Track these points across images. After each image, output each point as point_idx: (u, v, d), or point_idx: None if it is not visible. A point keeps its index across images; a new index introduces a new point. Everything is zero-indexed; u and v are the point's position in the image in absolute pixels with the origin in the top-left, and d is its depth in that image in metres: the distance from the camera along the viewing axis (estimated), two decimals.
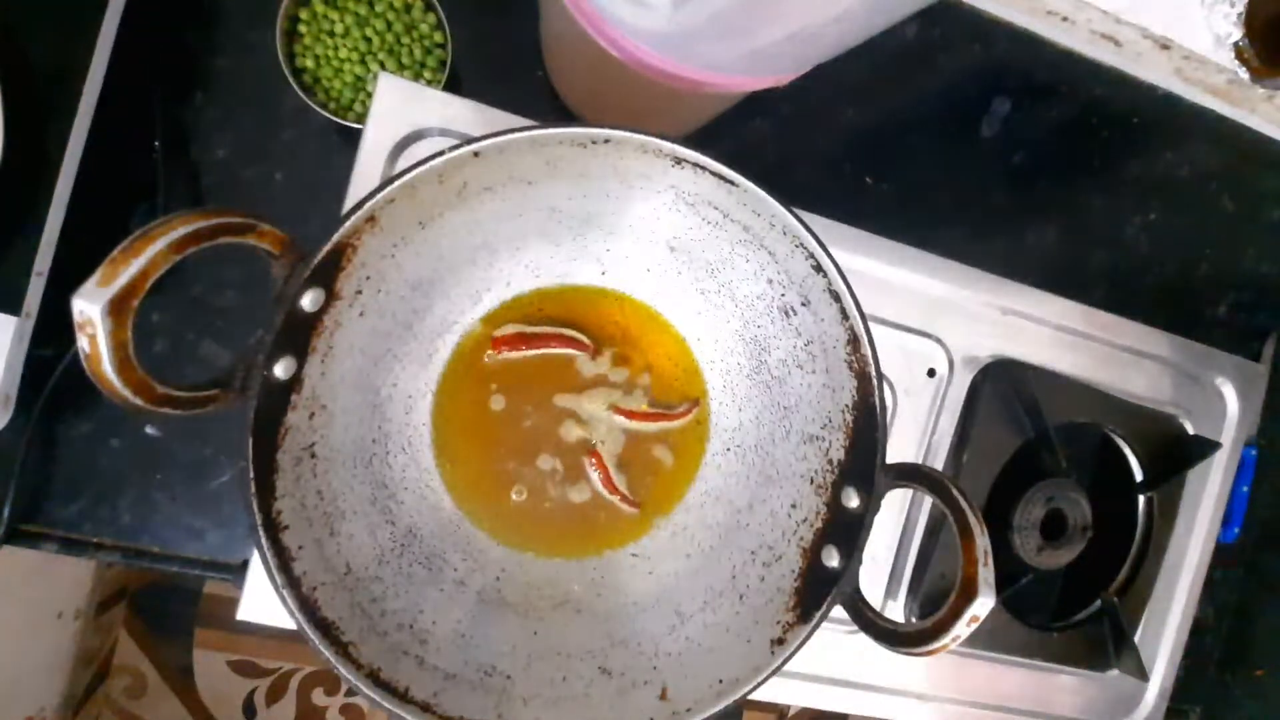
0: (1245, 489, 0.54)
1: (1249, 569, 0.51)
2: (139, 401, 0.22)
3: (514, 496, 0.34)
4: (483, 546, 0.34)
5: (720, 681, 0.28)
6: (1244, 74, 0.49)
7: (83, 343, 0.20)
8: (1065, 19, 0.51)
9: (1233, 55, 0.49)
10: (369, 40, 0.41)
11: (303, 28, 0.40)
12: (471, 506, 0.34)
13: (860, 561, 0.29)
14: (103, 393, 0.22)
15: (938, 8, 0.50)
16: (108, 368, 0.21)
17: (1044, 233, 0.54)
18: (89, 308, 0.20)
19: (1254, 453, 0.54)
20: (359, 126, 0.36)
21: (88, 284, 0.20)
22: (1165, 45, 0.51)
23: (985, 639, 0.44)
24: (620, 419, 0.35)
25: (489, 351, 0.34)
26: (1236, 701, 0.58)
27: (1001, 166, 0.53)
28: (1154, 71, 0.54)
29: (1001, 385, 0.45)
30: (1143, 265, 0.56)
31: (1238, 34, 0.48)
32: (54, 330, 0.36)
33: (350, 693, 1.04)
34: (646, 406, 0.35)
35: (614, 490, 0.35)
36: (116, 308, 0.20)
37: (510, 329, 0.34)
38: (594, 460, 0.35)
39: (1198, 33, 0.50)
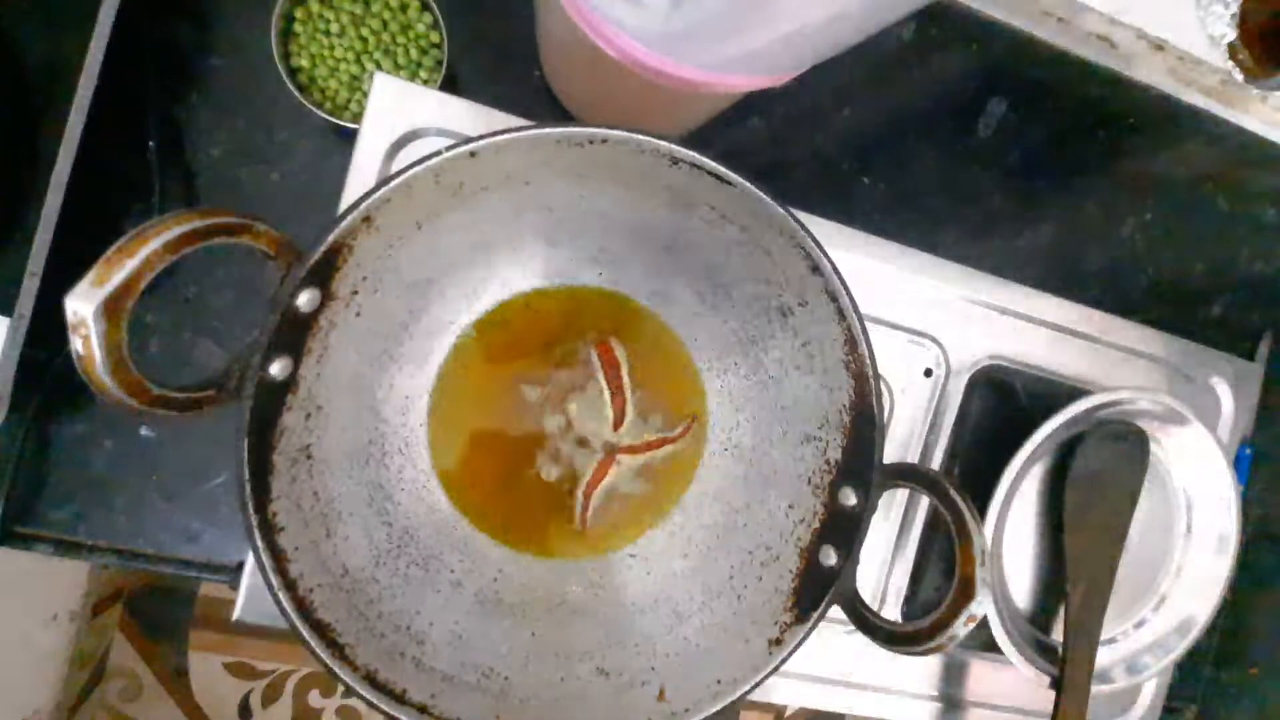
0: (1240, 487, 0.54)
1: (1243, 567, 0.51)
2: (133, 403, 0.22)
3: (510, 498, 0.34)
4: (480, 547, 0.34)
5: (718, 682, 0.28)
6: (1238, 75, 0.49)
7: (76, 344, 0.20)
8: (1061, 20, 0.51)
9: (1227, 56, 0.49)
10: (364, 39, 0.41)
11: (298, 27, 0.40)
12: (469, 507, 0.34)
13: (858, 561, 0.29)
14: (96, 394, 0.21)
15: (934, 8, 0.50)
16: (101, 369, 0.21)
17: (1040, 233, 0.54)
18: (82, 308, 0.20)
19: (1248, 451, 0.54)
20: (355, 126, 0.36)
21: (81, 284, 0.20)
22: (1160, 46, 0.51)
23: (981, 638, 0.44)
24: (624, 458, 0.35)
25: (594, 351, 0.34)
26: (1232, 699, 0.58)
27: (998, 167, 0.53)
28: (1149, 72, 0.54)
29: (998, 385, 0.45)
30: (1138, 265, 0.57)
31: (1232, 35, 0.49)
32: (48, 331, 0.36)
33: (347, 694, 1.04)
34: (648, 435, 0.35)
35: (586, 500, 0.34)
36: (110, 308, 0.20)
37: (620, 350, 0.34)
38: (598, 466, 0.34)
39: (1192, 34, 0.50)
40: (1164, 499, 0.48)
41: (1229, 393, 0.51)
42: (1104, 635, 0.47)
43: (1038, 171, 0.54)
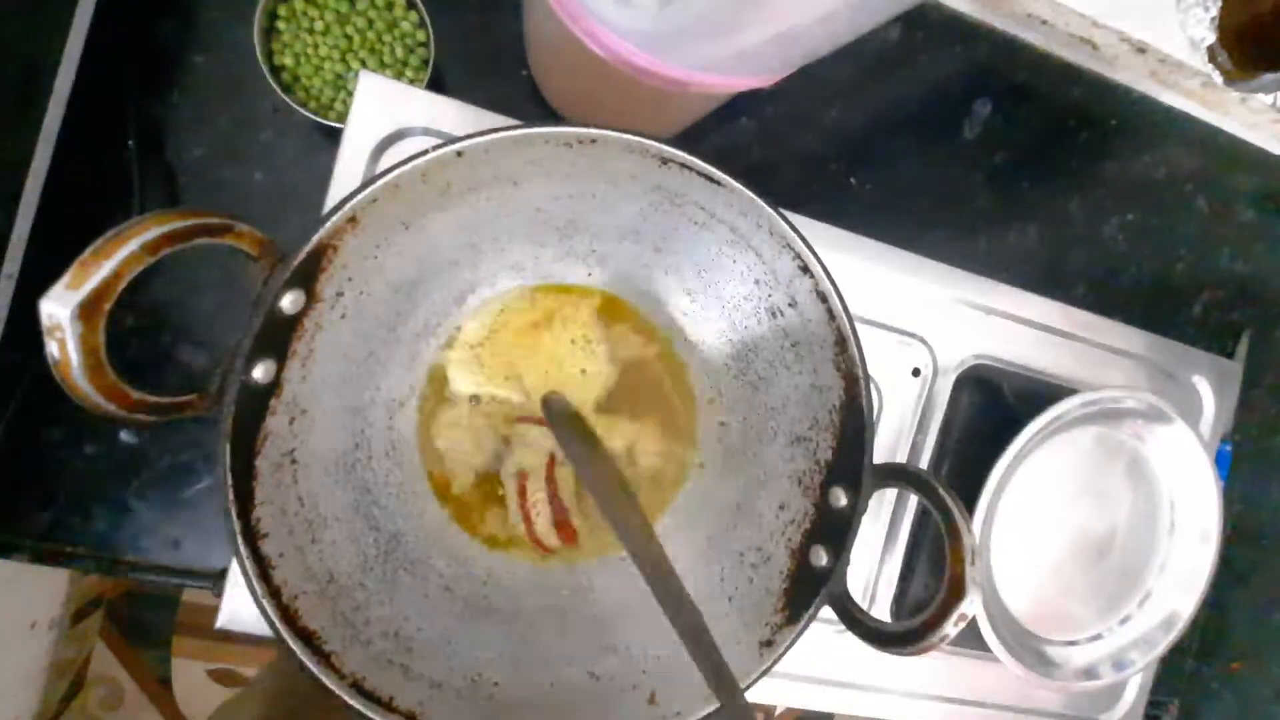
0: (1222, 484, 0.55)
1: (1224, 563, 0.52)
2: (112, 408, 0.21)
3: (499, 501, 0.34)
4: (469, 552, 0.33)
5: None
6: (1217, 77, 0.50)
7: (51, 348, 0.20)
8: (1044, 22, 0.52)
9: (1207, 59, 0.50)
10: (349, 38, 0.40)
11: (281, 24, 0.39)
12: (457, 511, 0.34)
13: (848, 561, 0.29)
14: (74, 399, 0.21)
15: (921, 10, 0.50)
16: (78, 374, 0.20)
17: (1025, 233, 0.55)
18: (58, 311, 0.19)
19: (1228, 449, 0.55)
20: (340, 125, 0.35)
21: (56, 287, 0.20)
22: (1141, 49, 0.52)
23: (970, 637, 0.44)
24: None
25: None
26: (1214, 694, 0.59)
27: (983, 167, 0.53)
28: (1131, 74, 0.55)
29: (984, 384, 0.45)
30: (1121, 265, 0.57)
31: (1211, 38, 0.49)
32: (25, 334, 0.35)
33: None
34: (641, 438, 0.35)
35: (521, 505, 0.34)
36: (87, 311, 0.20)
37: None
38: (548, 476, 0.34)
39: (1173, 37, 0.51)
40: (1149, 496, 0.48)
41: (1210, 391, 0.52)
42: (1090, 632, 0.48)
43: (1022, 172, 0.54)
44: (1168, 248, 0.58)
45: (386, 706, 0.26)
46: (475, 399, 0.34)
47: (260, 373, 0.25)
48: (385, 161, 0.35)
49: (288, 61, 0.39)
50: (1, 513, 0.39)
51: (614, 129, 0.26)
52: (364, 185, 0.25)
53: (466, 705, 0.28)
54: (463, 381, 0.34)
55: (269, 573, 0.25)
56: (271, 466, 0.26)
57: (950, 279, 0.45)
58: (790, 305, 0.30)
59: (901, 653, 0.27)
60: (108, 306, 0.20)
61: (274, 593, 0.25)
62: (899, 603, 0.44)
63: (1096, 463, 0.47)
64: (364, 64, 0.40)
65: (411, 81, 0.41)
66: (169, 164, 0.40)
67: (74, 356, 0.20)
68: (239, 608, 0.34)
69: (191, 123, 0.40)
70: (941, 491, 0.27)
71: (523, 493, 0.34)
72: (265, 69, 0.38)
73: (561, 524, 0.34)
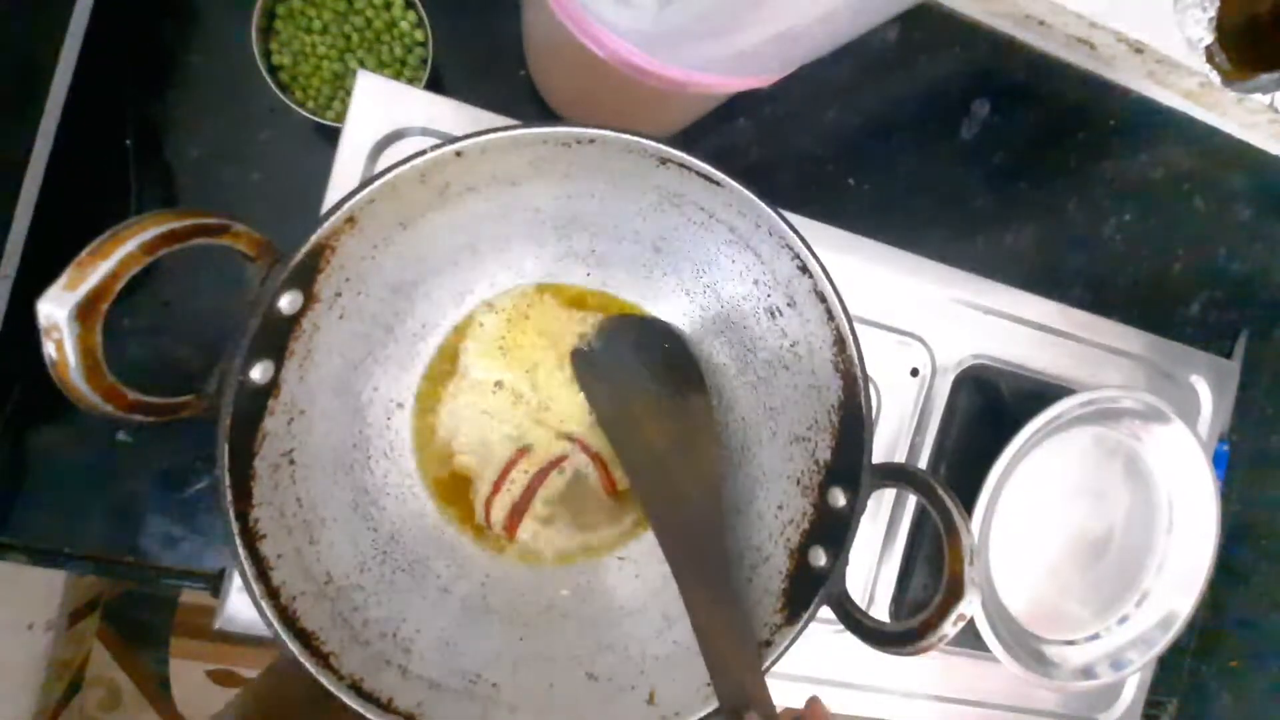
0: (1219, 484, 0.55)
1: (1222, 563, 0.52)
2: (109, 409, 0.21)
3: (497, 503, 0.34)
4: (467, 552, 0.33)
5: (708, 685, 0.28)
6: (1215, 77, 0.50)
7: (49, 349, 0.20)
8: (1042, 23, 0.52)
9: (1204, 59, 0.50)
10: (348, 37, 0.40)
11: (279, 24, 0.39)
12: (456, 512, 0.34)
13: (847, 561, 0.29)
14: (71, 400, 0.21)
15: (919, 11, 0.50)
16: (75, 375, 0.20)
17: (1023, 233, 0.55)
18: (55, 312, 0.19)
19: (1225, 448, 0.55)
20: (338, 125, 0.35)
21: (53, 287, 0.20)
22: (1139, 49, 0.52)
23: (968, 637, 0.44)
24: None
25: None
26: (1212, 693, 0.59)
27: (981, 168, 0.54)
28: (1128, 75, 0.55)
29: (983, 384, 0.45)
30: (1118, 265, 0.57)
31: (1209, 38, 0.49)
32: (22, 335, 0.35)
33: None
34: None
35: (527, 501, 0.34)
36: (84, 312, 0.20)
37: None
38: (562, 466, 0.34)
39: (1170, 37, 0.51)
40: (1146, 496, 0.49)
41: (1208, 390, 0.52)
42: (1088, 631, 0.48)
43: (1020, 173, 0.54)
44: (1165, 248, 0.59)
45: (385, 707, 0.26)
46: (499, 384, 0.34)
47: (258, 373, 0.25)
48: (383, 161, 0.35)
49: (285, 61, 0.39)
50: None
51: (613, 129, 0.26)
52: (362, 185, 0.25)
53: (465, 706, 0.28)
54: (483, 369, 0.34)
55: (267, 573, 0.25)
56: (270, 467, 0.26)
57: (949, 279, 0.45)
58: (789, 305, 0.30)
59: (900, 653, 0.27)
60: (105, 307, 0.20)
61: (272, 593, 0.25)
62: (898, 603, 0.44)
63: (1095, 462, 0.47)
64: (362, 63, 0.40)
65: (410, 81, 0.41)
66: (166, 164, 0.40)
67: (71, 357, 0.20)
68: (237, 608, 0.34)
69: (189, 122, 0.40)
70: (940, 491, 0.27)
71: (512, 465, 0.34)
72: (263, 68, 0.38)
73: (515, 513, 0.34)
